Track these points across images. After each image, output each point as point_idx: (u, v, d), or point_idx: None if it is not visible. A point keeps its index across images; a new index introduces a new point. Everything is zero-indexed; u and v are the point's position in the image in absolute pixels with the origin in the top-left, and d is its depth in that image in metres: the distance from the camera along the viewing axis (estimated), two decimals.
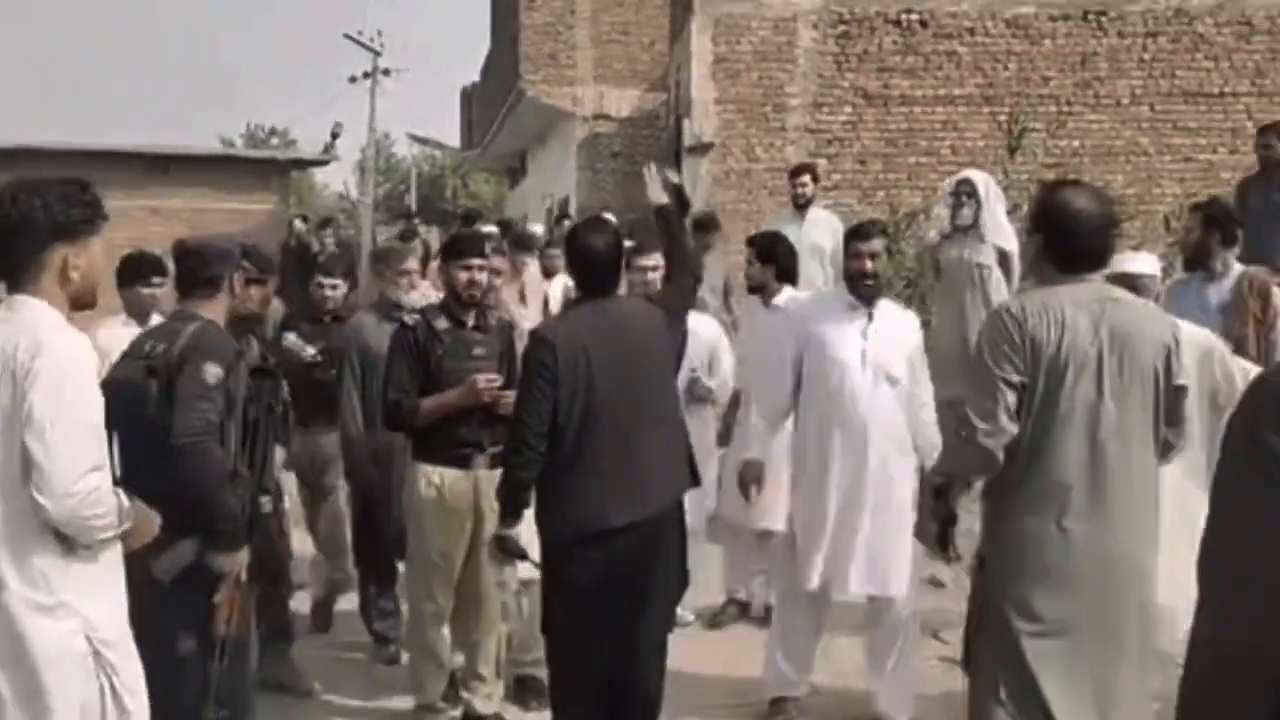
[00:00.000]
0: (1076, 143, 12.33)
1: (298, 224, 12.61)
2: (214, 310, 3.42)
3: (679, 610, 5.00)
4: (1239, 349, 4.42)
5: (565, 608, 3.51)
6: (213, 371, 3.16)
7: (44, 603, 2.47)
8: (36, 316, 2.54)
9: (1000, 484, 3.03)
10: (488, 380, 4.09)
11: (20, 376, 2.45)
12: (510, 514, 3.60)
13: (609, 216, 8.62)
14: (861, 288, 4.35)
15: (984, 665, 3.02)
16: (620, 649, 3.53)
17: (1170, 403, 2.99)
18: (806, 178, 7.80)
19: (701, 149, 12.28)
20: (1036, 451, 2.93)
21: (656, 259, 4.54)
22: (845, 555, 4.27)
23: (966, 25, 12.45)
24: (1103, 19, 12.53)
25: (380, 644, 5.12)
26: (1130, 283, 4.59)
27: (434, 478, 4.20)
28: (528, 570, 3.68)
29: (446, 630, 4.33)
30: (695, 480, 3.75)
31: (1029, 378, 2.92)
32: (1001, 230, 6.45)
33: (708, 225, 8.16)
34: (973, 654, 3.09)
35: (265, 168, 15.95)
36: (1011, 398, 2.92)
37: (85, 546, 2.53)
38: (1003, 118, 11.03)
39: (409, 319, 4.32)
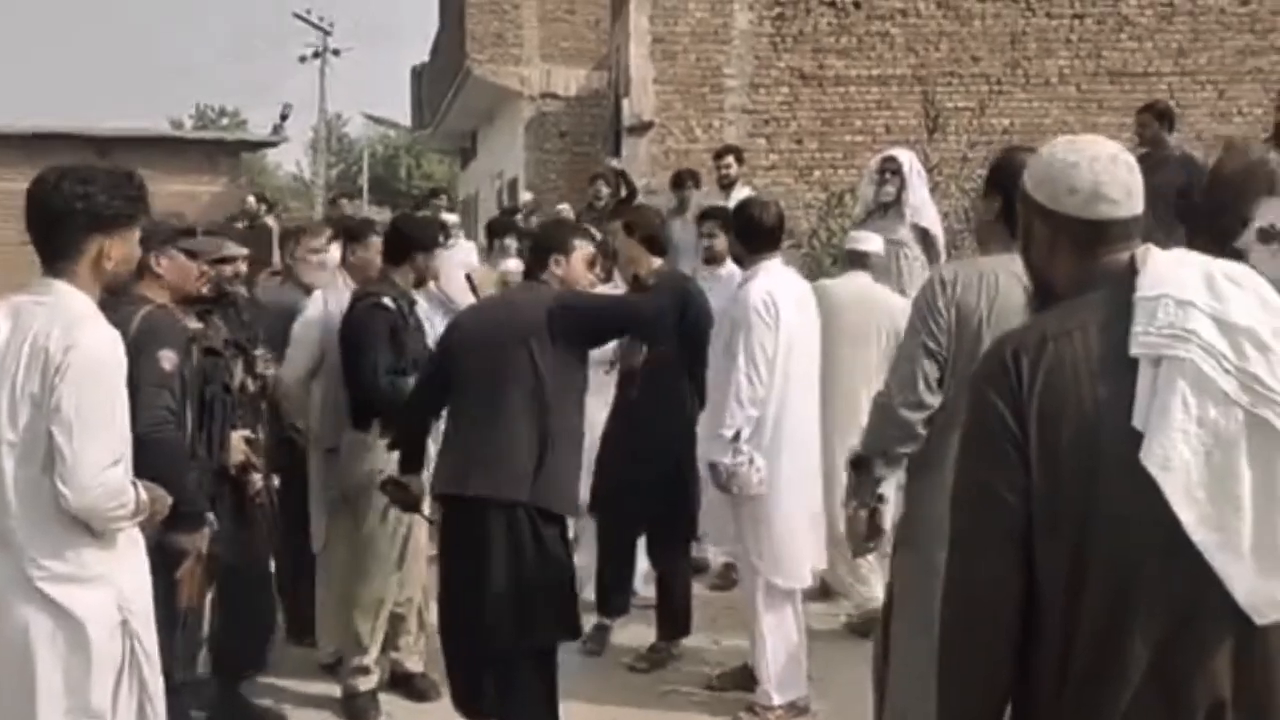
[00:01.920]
0: (1007, 121, 12.64)
1: (250, 201, 12.03)
2: (155, 291, 3.51)
3: (637, 587, 5.20)
4: None
5: (441, 566, 3.77)
6: (168, 358, 3.28)
7: (80, 575, 2.54)
8: (70, 305, 2.56)
9: (920, 461, 2.89)
10: None
11: (51, 368, 2.48)
12: (401, 463, 3.96)
13: (564, 207, 8.93)
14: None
15: (896, 651, 2.93)
16: (479, 626, 3.60)
17: None
18: (730, 159, 8.08)
19: (641, 128, 12.46)
20: (954, 426, 2.74)
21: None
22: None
23: (899, 6, 12.71)
24: (1031, 0, 12.87)
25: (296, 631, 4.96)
26: (862, 261, 5.00)
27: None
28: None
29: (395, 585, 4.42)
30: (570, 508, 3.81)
31: (949, 347, 2.79)
32: (923, 209, 6.64)
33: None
34: (889, 642, 2.97)
35: (213, 149, 15.85)
36: (931, 367, 2.81)
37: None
38: (936, 98, 11.36)
39: (388, 301, 4.35)
